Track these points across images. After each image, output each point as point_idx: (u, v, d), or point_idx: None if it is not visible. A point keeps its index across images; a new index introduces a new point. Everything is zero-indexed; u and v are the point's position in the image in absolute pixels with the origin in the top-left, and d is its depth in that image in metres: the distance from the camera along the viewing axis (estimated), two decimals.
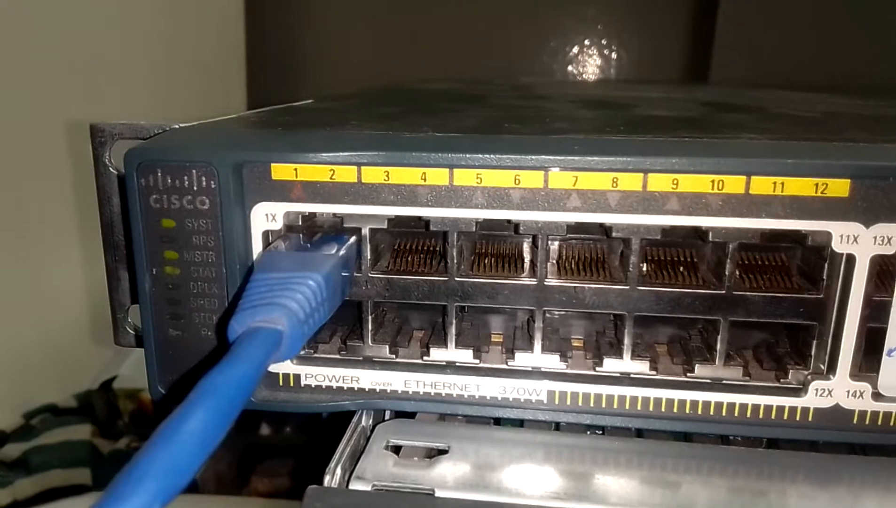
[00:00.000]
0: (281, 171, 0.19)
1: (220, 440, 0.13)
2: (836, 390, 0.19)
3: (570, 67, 0.95)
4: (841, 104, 0.36)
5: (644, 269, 0.20)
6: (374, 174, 0.19)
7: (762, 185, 0.18)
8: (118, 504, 0.10)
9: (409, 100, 0.38)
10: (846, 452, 0.20)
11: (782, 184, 0.18)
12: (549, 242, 0.20)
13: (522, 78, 0.78)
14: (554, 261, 0.21)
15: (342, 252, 0.19)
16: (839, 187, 0.18)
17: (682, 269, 0.20)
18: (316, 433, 0.61)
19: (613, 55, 0.94)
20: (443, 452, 0.19)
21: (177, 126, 0.22)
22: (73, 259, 0.63)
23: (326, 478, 0.17)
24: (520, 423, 0.21)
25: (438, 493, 0.17)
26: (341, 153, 0.19)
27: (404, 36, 0.96)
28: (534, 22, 0.93)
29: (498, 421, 0.21)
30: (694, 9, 0.92)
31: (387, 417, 0.21)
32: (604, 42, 0.94)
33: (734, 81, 0.73)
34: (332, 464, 0.18)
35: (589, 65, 0.94)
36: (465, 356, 0.21)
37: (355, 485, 0.17)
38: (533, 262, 0.20)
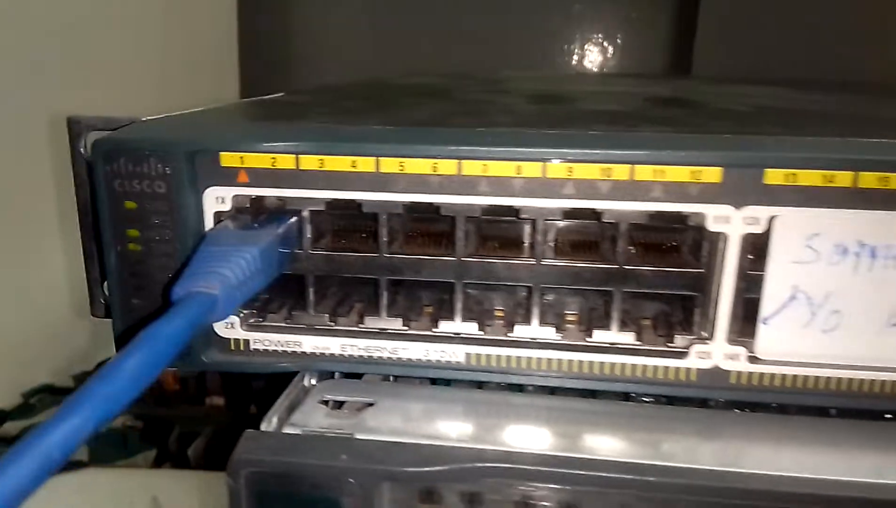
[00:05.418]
0: (229, 159, 0.22)
1: (151, 381, 0.15)
2: (715, 353, 0.22)
3: (560, 61, 0.97)
4: (784, 99, 0.38)
5: (554, 245, 0.23)
6: (309, 162, 0.22)
7: (645, 172, 0.20)
8: (60, 422, 0.13)
9: (376, 95, 0.40)
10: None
11: (662, 171, 0.20)
12: (467, 222, 0.22)
13: (506, 72, 0.81)
14: (473, 238, 0.24)
15: (280, 230, 0.21)
16: (712, 174, 0.20)
17: (582, 247, 0.23)
18: None
19: (601, 50, 0.96)
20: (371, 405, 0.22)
21: (143, 119, 0.24)
22: (71, 243, 0.66)
23: (263, 424, 0.20)
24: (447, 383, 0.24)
25: (358, 436, 0.20)
26: (280, 143, 0.22)
27: (399, 30, 0.98)
28: (526, 18, 0.95)
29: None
30: (677, 3, 0.94)
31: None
32: (591, 37, 0.96)
33: (710, 77, 0.75)
34: (269, 413, 0.21)
35: (577, 58, 0.96)
36: (395, 324, 0.23)
37: (287, 431, 0.20)
38: (453, 239, 0.23)
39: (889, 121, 0.30)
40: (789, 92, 0.42)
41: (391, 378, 0.24)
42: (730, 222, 0.20)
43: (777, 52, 0.84)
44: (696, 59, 0.88)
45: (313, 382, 0.24)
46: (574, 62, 0.97)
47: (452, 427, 0.21)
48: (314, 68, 0.99)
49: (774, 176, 0.20)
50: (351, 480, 0.18)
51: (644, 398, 0.23)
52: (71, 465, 0.61)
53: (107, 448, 0.64)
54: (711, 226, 0.20)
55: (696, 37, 0.88)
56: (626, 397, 0.23)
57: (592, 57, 0.97)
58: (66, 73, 0.60)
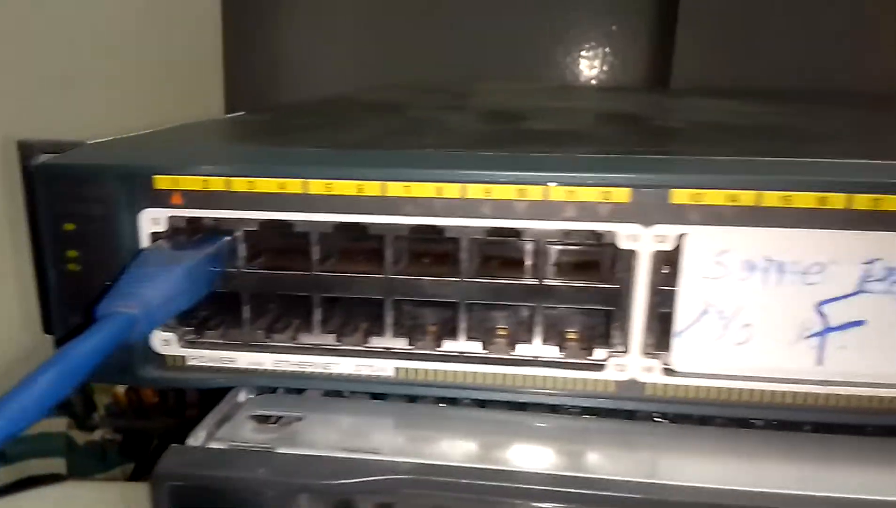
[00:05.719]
0: (162, 182, 0.23)
1: (64, 395, 0.16)
2: (631, 365, 0.22)
3: (543, 72, 0.98)
4: (729, 112, 0.39)
5: (480, 262, 0.24)
6: (240, 184, 0.22)
7: (558, 193, 0.21)
8: None
9: (334, 112, 0.41)
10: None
11: (573, 192, 0.21)
12: (394, 241, 0.23)
13: (481, 84, 0.82)
14: (403, 255, 0.24)
15: (210, 250, 0.22)
16: (621, 195, 0.21)
17: (507, 264, 0.24)
18: None
19: (583, 61, 0.97)
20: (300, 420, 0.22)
21: (89, 142, 0.25)
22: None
23: (190, 439, 0.21)
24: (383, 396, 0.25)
25: (279, 450, 0.20)
26: (210, 166, 0.22)
27: (387, 42, 0.99)
28: (511, 30, 0.96)
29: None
30: (657, 16, 0.95)
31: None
32: (573, 48, 0.97)
33: (681, 90, 0.77)
34: (197, 428, 0.21)
35: (559, 70, 0.97)
36: (327, 339, 0.24)
37: (213, 445, 0.21)
38: (382, 257, 0.23)
39: (813, 135, 0.31)
40: (740, 105, 0.43)
41: (347, 394, 0.25)
42: (639, 241, 0.21)
43: (753, 63, 0.85)
44: (675, 71, 0.89)
45: (249, 397, 0.24)
46: (557, 73, 0.98)
47: (375, 440, 0.21)
48: (303, 81, 0.99)
49: (680, 196, 0.21)
50: (268, 493, 0.19)
51: (571, 410, 0.24)
52: (49, 478, 0.62)
53: (85, 462, 0.65)
54: (622, 244, 0.21)
55: (675, 49, 0.89)
56: (554, 409, 0.24)
57: (574, 68, 0.98)
58: (41, 90, 0.61)
